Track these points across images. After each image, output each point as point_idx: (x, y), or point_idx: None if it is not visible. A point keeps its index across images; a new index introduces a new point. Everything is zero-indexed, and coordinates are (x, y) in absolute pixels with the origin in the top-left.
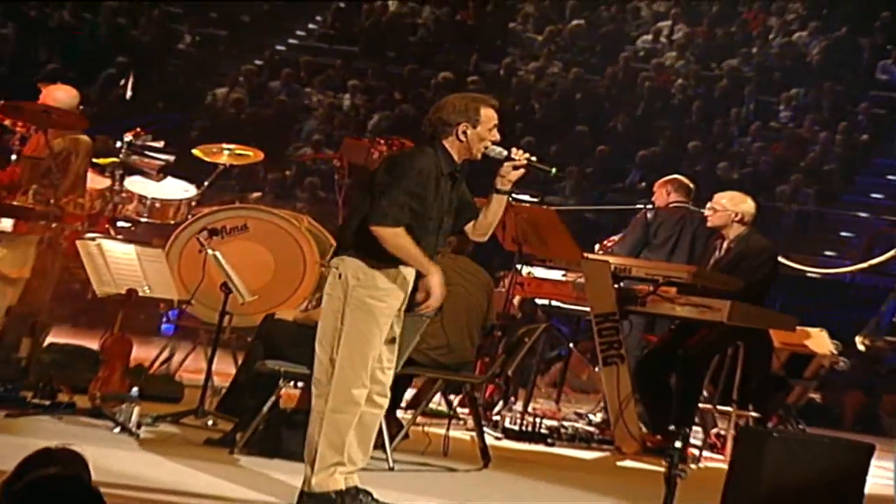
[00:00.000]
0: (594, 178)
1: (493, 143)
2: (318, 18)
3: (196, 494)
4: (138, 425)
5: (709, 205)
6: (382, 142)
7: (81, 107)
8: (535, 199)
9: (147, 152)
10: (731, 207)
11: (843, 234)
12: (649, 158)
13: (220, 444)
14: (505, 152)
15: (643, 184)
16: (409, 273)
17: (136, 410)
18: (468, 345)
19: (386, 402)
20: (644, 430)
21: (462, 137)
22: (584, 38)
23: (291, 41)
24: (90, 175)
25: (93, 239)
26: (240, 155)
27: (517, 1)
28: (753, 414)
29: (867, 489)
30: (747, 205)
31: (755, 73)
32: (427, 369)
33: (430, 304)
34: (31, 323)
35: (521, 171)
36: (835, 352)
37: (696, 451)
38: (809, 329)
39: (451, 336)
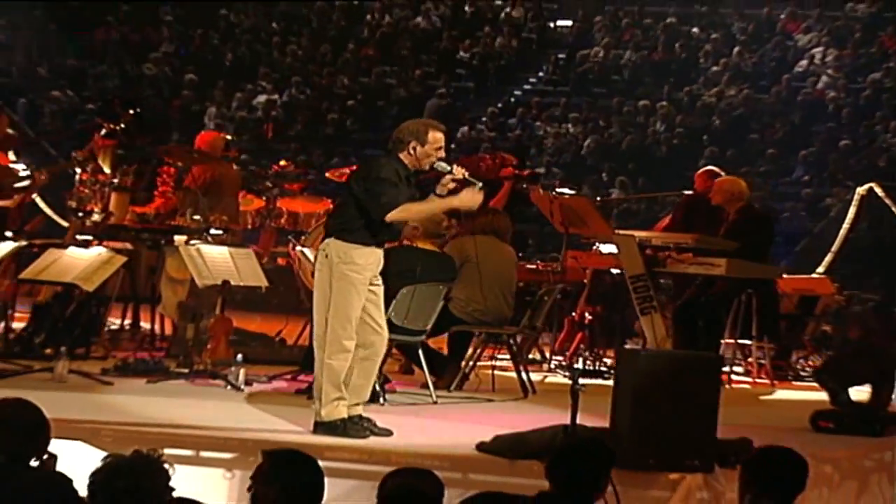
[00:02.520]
0: (767, 175)
1: (440, 159)
2: (544, 67)
3: (240, 429)
4: (247, 383)
5: (714, 188)
6: (487, 157)
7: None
8: (573, 191)
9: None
10: (728, 188)
11: None
12: (809, 156)
13: (305, 392)
14: (448, 167)
15: (806, 177)
16: (378, 252)
17: (242, 372)
18: (503, 306)
19: (378, 353)
20: None
21: (412, 152)
22: (752, 66)
23: (526, 87)
24: (249, 197)
25: (193, 244)
26: None
27: (699, 41)
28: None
29: None
30: (741, 186)
31: (893, 82)
32: (471, 325)
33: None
34: (193, 313)
35: (456, 184)
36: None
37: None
38: (814, 275)
39: (487, 300)
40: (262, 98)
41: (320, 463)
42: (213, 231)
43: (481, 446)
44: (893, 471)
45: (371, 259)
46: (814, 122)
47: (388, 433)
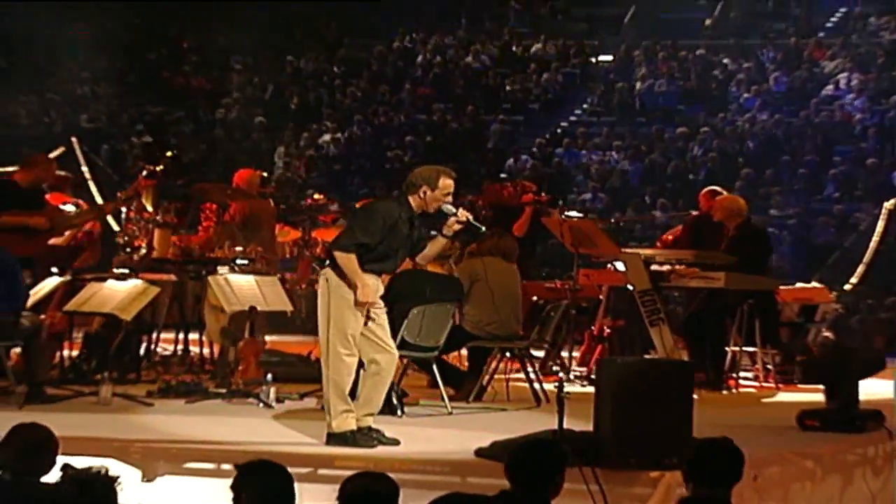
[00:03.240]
0: (800, 193)
1: (447, 203)
2: (588, 100)
3: (262, 443)
4: (279, 400)
5: (715, 206)
6: (509, 185)
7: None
8: (580, 215)
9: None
10: (727, 205)
11: None
12: (838, 175)
13: None
14: (454, 210)
15: (836, 194)
16: (374, 278)
17: (273, 390)
18: (513, 321)
19: (387, 369)
20: None
21: (422, 196)
22: (783, 92)
23: (571, 118)
24: (286, 229)
25: (221, 274)
26: None
27: (731, 71)
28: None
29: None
30: (739, 203)
31: None
32: (485, 340)
33: (365, 304)
34: (234, 337)
35: (461, 225)
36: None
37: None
38: (812, 285)
39: (500, 315)
40: (326, 137)
41: (331, 472)
42: (238, 261)
43: (479, 452)
44: (877, 464)
45: (367, 283)
46: (841, 143)
47: (396, 442)
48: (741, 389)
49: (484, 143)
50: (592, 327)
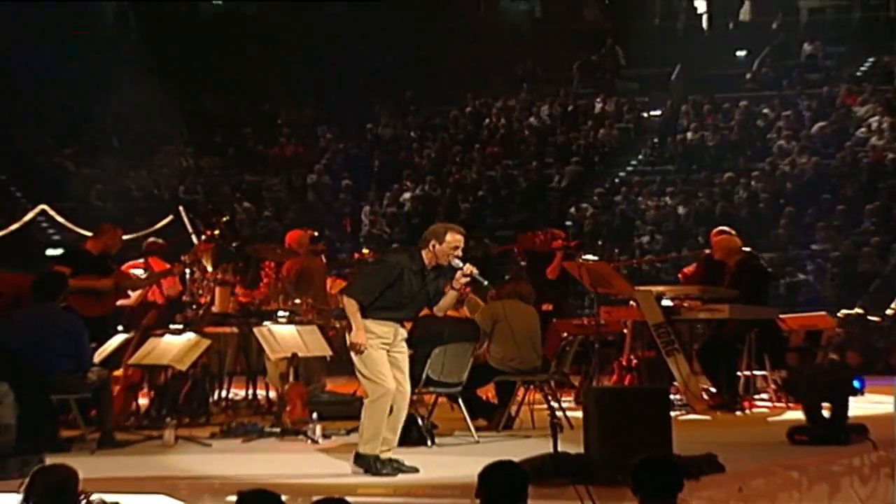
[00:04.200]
0: (840, 228)
1: (457, 257)
2: (642, 151)
3: (297, 475)
4: (325, 436)
5: (714, 245)
6: (540, 232)
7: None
8: (596, 258)
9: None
10: (725, 245)
11: None
12: (876, 210)
13: None
14: (461, 265)
15: (873, 227)
16: (392, 324)
17: (318, 427)
18: (533, 356)
19: (400, 407)
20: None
21: (431, 248)
22: (819, 137)
23: (628, 168)
24: (338, 281)
25: (264, 325)
26: None
27: (771, 120)
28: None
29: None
30: (735, 241)
31: None
32: (509, 375)
33: (357, 344)
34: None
35: (468, 279)
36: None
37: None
38: (815, 313)
39: (521, 351)
40: (407, 195)
41: (356, 499)
42: (280, 313)
43: None
44: (864, 473)
45: (385, 329)
46: (876, 180)
47: (415, 470)
48: (754, 410)
49: (548, 194)
50: (621, 358)
